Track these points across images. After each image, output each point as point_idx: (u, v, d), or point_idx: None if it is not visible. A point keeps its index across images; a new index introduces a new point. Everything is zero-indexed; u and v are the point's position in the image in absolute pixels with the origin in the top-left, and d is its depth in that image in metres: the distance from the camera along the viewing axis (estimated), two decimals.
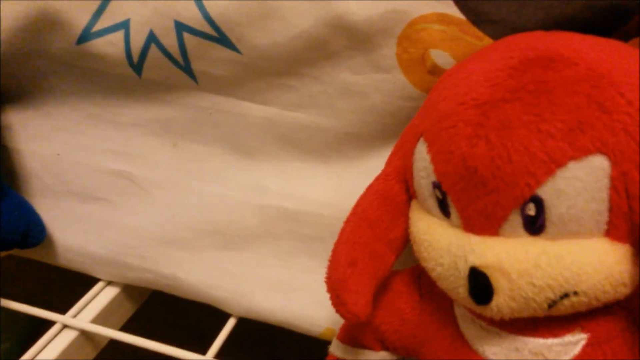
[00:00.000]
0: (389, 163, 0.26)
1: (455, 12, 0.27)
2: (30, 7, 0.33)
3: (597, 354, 0.20)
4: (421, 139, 0.22)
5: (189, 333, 0.34)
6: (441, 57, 0.27)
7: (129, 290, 0.38)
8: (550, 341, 0.20)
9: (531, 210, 0.19)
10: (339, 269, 0.23)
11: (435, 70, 0.28)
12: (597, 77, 0.19)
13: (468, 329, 0.22)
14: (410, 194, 0.24)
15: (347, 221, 0.25)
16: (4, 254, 0.38)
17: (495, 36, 0.26)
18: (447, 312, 0.23)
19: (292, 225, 0.33)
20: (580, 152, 0.18)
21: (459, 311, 0.23)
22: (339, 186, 0.32)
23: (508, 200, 0.19)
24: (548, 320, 0.20)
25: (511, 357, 0.21)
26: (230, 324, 0.34)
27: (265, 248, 0.34)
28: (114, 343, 0.35)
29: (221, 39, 0.30)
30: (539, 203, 0.18)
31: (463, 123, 0.20)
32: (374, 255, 0.24)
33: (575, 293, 0.18)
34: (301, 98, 0.32)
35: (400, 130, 0.31)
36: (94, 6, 0.32)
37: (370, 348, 0.27)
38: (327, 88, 0.31)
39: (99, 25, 0.32)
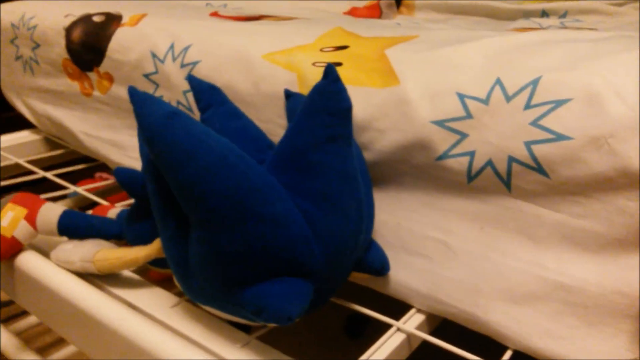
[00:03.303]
0: None
1: None
2: (409, 136, 0.55)
3: None
4: None
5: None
6: None
7: (431, 317, 0.56)
8: None
9: None
10: None
11: None
12: None
13: None
14: None
15: None
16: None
17: None
18: None
19: (564, 294, 0.49)
20: None
21: None
22: (606, 275, 0.47)
23: None
24: None
25: None
26: (509, 353, 0.50)
27: (543, 306, 0.50)
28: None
29: (539, 169, 0.49)
30: None
31: None
32: None
33: None
34: (585, 210, 0.48)
35: None
36: (455, 139, 0.53)
37: None
38: (607, 207, 0.47)
39: (455, 151, 0.53)
